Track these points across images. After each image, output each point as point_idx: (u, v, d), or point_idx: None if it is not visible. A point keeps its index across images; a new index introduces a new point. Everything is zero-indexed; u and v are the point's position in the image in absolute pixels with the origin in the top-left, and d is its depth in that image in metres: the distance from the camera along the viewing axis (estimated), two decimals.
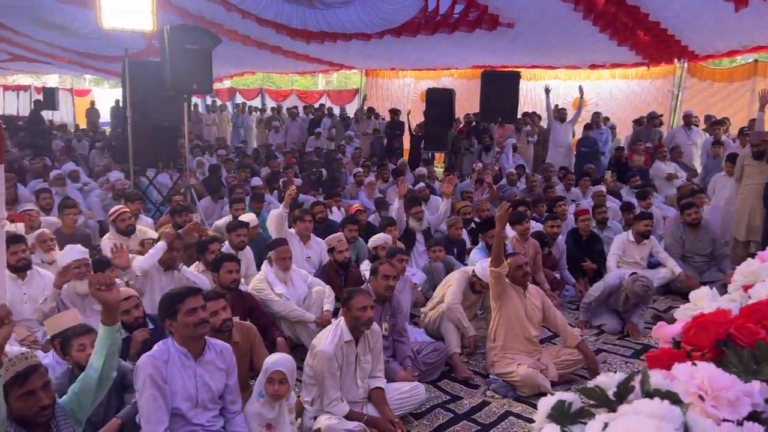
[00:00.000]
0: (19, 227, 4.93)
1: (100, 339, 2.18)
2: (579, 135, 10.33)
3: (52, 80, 25.91)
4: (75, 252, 4.05)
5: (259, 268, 4.95)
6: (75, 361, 2.74)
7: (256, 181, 8.18)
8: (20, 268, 4.12)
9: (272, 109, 16.63)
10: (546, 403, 0.98)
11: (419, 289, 5.25)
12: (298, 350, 4.14)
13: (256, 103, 18.73)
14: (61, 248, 5.05)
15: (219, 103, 17.37)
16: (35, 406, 2.07)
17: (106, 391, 2.31)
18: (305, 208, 5.83)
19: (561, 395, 0.99)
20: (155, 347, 2.61)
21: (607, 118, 11.11)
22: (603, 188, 7.50)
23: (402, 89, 16.08)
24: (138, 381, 2.50)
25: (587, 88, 10.74)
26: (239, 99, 18.99)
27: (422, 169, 9.36)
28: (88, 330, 2.84)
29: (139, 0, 5.83)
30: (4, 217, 3.47)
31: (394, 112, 12.69)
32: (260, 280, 4.37)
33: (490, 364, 3.93)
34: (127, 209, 5.27)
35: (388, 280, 3.69)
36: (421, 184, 7.93)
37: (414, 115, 12.32)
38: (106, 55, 13.44)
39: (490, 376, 3.90)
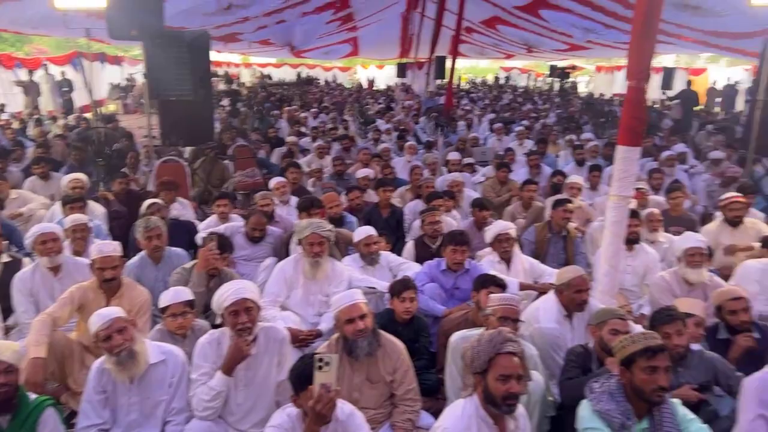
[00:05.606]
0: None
1: None
2: None
3: (667, 60, 26.48)
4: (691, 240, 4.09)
5: None
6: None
7: None
8: (630, 241, 4.42)
9: None
10: None
11: None
12: None
13: None
14: (665, 230, 5.19)
15: None
16: (654, 383, 2.16)
17: None
18: None
19: None
20: None
21: None
22: None
23: None
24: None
25: None
26: None
27: None
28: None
29: None
30: (630, 196, 3.77)
31: None
32: None
33: None
34: (742, 199, 4.88)
35: None
36: None
37: None
38: (734, 32, 12.61)
39: None
